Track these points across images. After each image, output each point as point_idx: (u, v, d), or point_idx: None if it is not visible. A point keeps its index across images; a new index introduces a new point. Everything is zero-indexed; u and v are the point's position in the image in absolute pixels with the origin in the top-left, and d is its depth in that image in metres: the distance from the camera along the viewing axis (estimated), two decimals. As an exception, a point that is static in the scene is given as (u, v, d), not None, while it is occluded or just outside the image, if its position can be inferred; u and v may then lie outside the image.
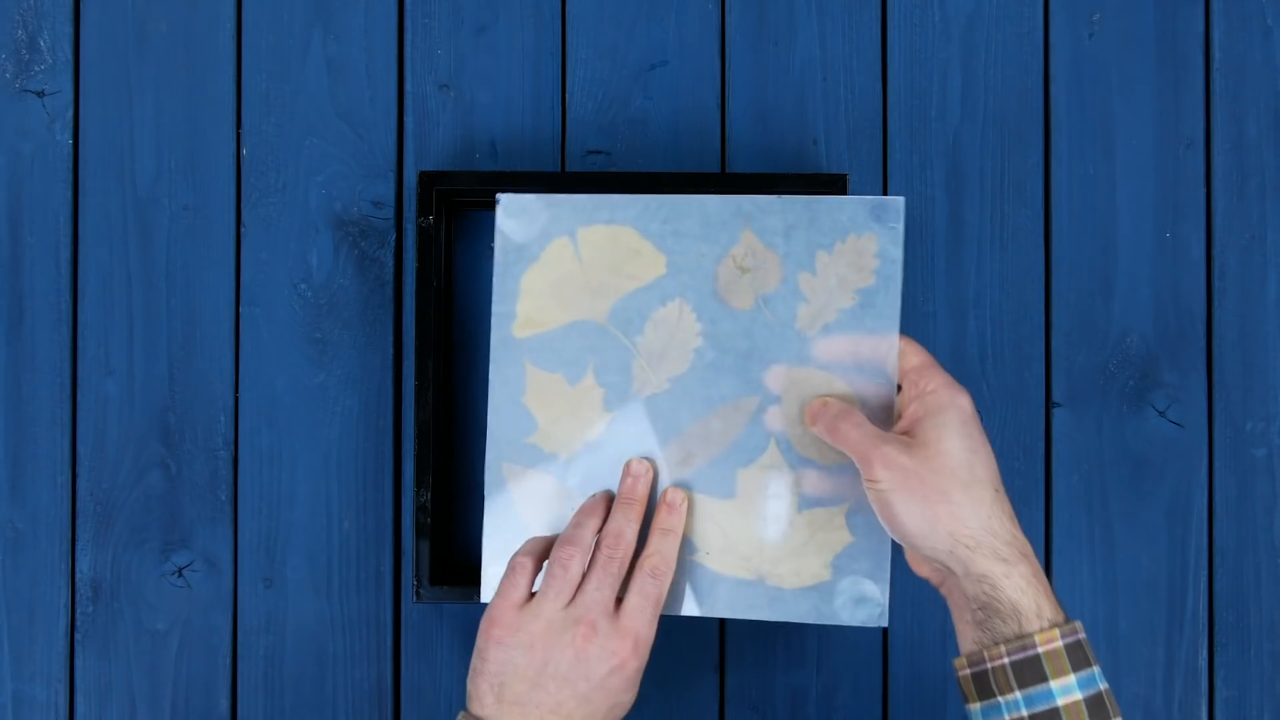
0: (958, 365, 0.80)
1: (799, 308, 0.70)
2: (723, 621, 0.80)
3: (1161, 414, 0.80)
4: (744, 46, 0.81)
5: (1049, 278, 0.81)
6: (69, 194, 0.81)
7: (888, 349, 0.68)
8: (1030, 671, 0.59)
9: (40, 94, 0.81)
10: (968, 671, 0.62)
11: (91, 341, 0.80)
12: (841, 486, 0.70)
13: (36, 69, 0.81)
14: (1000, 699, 0.60)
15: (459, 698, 0.80)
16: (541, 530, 0.72)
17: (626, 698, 0.65)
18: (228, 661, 0.80)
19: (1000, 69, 0.81)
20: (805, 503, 0.70)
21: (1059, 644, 0.59)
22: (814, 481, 0.70)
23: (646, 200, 0.72)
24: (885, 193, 0.81)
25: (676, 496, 0.70)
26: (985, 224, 0.81)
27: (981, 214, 0.81)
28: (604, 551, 0.67)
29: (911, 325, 0.80)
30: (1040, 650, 0.59)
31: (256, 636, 0.80)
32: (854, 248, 0.70)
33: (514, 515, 0.72)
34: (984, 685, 0.61)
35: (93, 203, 0.81)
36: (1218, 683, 0.80)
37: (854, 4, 0.81)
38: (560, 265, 0.72)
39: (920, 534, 0.61)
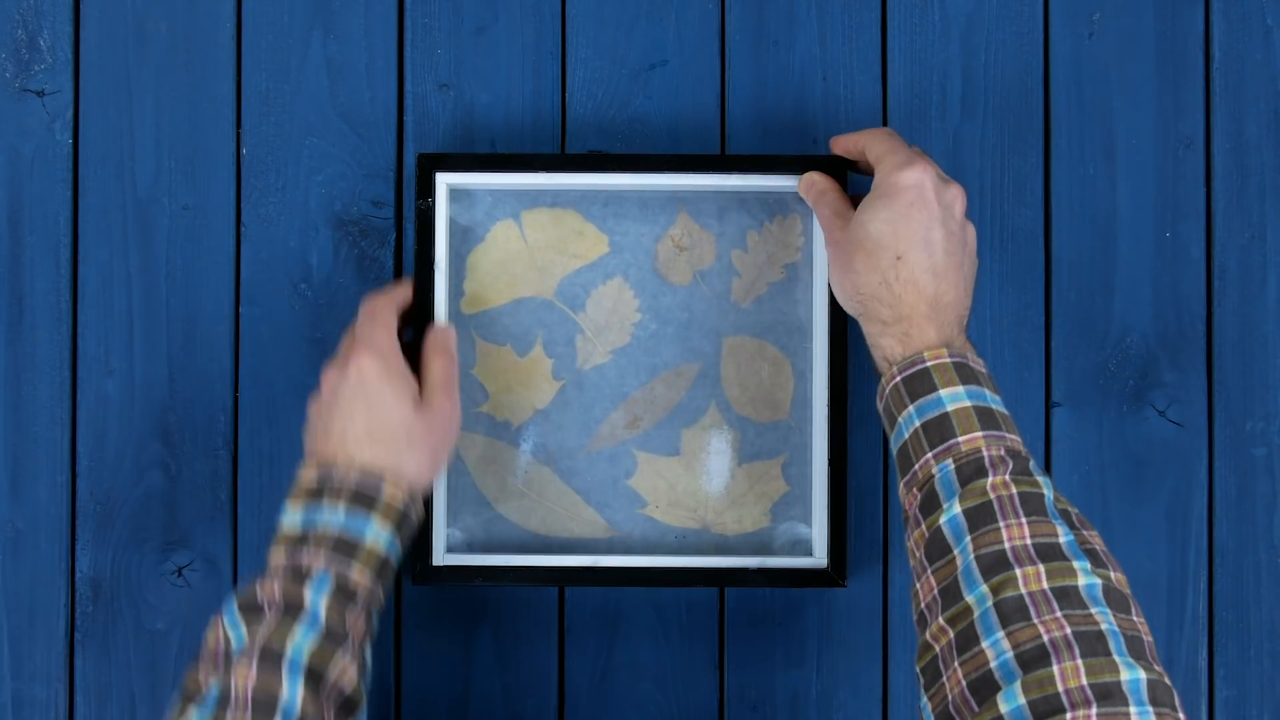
0: (958, 365, 0.80)
1: (733, 281, 0.78)
2: (722, 621, 0.80)
3: (1161, 414, 0.80)
4: (744, 46, 0.81)
5: (1049, 278, 0.81)
6: (69, 194, 0.81)
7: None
8: (920, 383, 0.64)
9: (40, 94, 0.81)
10: (879, 407, 0.68)
11: (91, 341, 0.80)
12: (777, 441, 0.77)
13: (36, 69, 0.81)
14: (899, 417, 0.65)
15: (460, 694, 0.80)
16: (495, 495, 0.77)
17: (393, 407, 0.69)
18: (228, 661, 0.80)
19: (1000, 69, 0.81)
20: (744, 457, 0.77)
21: (946, 360, 0.64)
22: (752, 437, 0.77)
23: (586, 185, 0.77)
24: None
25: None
26: (985, 224, 0.81)
27: (981, 214, 0.81)
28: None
29: (911, 325, 0.80)
30: (929, 364, 0.64)
31: (256, 636, 0.80)
32: (780, 227, 0.77)
33: (468, 481, 0.77)
34: (888, 413, 0.66)
35: (93, 203, 0.81)
36: (1218, 683, 0.80)
37: (854, 4, 0.81)
38: (506, 245, 0.77)
39: (839, 296, 0.70)
